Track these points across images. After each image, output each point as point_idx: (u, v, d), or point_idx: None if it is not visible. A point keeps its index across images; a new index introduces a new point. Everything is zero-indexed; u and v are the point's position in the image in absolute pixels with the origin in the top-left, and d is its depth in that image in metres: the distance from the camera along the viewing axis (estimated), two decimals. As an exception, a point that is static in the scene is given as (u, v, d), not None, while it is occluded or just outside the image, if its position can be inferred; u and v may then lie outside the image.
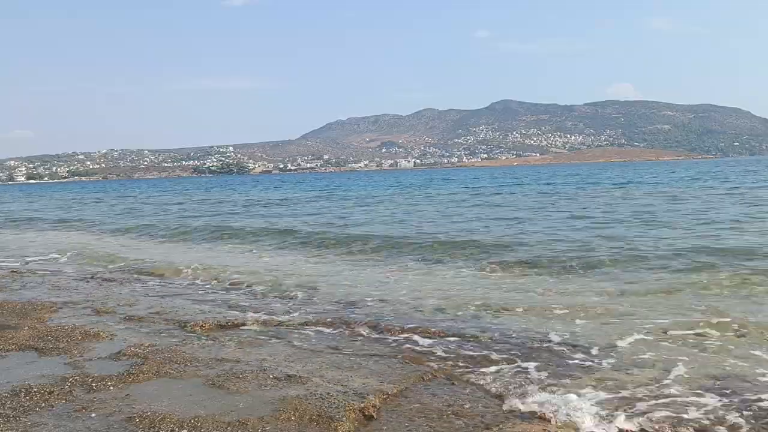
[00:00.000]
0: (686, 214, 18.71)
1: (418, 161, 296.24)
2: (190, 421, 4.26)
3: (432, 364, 5.62)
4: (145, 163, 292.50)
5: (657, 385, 4.88)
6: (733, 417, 4.26)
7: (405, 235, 15.36)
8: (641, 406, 4.48)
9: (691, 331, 6.30)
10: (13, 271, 12.22)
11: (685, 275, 9.18)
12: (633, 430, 4.12)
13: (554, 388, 4.86)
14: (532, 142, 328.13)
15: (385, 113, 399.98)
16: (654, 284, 8.71)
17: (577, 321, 6.96)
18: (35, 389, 4.93)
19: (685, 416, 4.29)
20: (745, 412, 4.33)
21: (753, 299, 7.68)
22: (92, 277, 11.27)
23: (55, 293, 9.69)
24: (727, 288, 8.25)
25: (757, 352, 5.62)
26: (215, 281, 10.52)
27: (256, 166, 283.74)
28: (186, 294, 9.49)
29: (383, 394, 4.79)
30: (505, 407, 4.55)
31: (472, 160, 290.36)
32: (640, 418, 4.25)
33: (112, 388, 5.00)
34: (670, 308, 7.28)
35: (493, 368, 5.45)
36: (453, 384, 5.10)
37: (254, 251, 14.55)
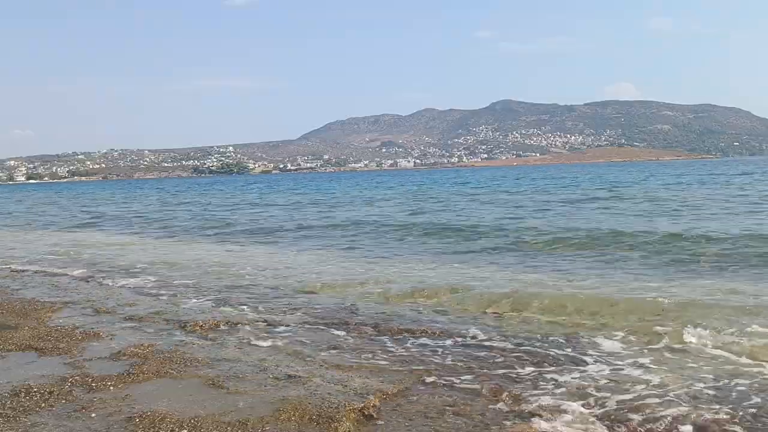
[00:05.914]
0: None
1: (418, 161, 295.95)
2: (190, 421, 4.26)
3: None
4: (145, 163, 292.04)
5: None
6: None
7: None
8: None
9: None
10: (13, 271, 12.23)
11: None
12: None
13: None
14: (532, 142, 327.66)
15: (385, 113, 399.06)
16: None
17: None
18: (35, 389, 4.92)
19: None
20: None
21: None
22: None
23: (55, 293, 9.69)
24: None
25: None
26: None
27: (256, 166, 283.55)
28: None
29: (383, 394, 4.79)
30: (504, 407, 4.56)
31: (473, 160, 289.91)
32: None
33: (112, 388, 5.00)
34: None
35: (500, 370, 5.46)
36: (452, 384, 5.10)
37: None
